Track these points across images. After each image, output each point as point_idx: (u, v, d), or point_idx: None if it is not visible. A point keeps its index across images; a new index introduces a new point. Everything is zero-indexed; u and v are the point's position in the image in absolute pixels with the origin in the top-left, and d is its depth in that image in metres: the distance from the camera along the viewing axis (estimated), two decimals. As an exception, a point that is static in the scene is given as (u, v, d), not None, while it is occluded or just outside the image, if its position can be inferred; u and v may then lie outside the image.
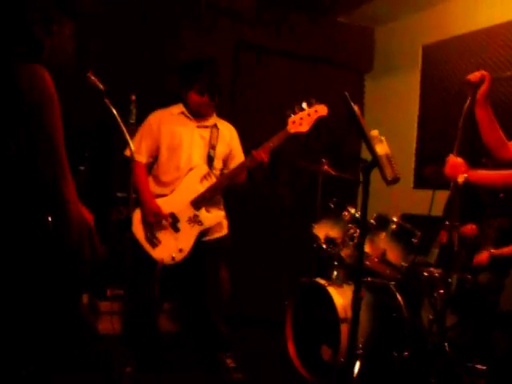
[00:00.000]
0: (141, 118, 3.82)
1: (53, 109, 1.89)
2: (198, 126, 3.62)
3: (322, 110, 3.51)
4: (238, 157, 3.71)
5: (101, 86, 2.88)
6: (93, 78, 2.89)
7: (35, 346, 2.08)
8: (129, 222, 3.35)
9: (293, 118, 3.47)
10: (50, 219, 1.94)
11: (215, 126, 3.67)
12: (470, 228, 3.84)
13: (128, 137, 2.93)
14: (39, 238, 1.94)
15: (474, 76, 2.91)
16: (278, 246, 5.20)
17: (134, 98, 4.49)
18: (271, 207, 5.38)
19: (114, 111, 2.86)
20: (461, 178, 2.69)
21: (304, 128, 3.47)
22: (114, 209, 4.39)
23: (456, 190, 2.93)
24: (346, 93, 2.37)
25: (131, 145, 2.94)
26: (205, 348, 3.77)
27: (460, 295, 3.51)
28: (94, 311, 4.33)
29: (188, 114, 3.63)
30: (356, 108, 2.42)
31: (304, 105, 3.49)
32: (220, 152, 3.65)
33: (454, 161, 2.79)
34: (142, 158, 3.59)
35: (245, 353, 3.85)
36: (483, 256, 3.77)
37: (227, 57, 5.15)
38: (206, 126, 3.64)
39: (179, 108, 3.66)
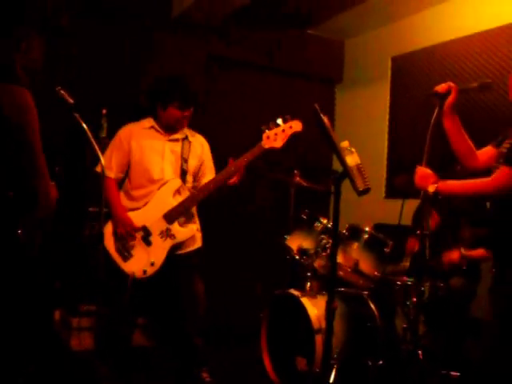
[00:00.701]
0: (112, 132, 3.80)
1: (33, 125, 1.92)
2: (168, 140, 3.62)
3: (296, 126, 3.53)
4: (210, 171, 3.72)
5: (70, 100, 2.85)
6: (62, 92, 2.86)
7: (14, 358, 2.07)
8: (101, 236, 3.33)
9: (267, 133, 3.49)
10: (19, 232, 1.95)
11: (186, 138, 3.67)
12: (455, 254, 3.88)
13: (99, 152, 2.90)
14: (10, 251, 1.94)
15: (441, 87, 2.95)
16: (251, 258, 5.20)
17: (104, 111, 4.48)
18: (244, 219, 5.39)
19: (84, 126, 2.83)
20: (431, 188, 2.73)
21: (278, 144, 3.49)
22: (86, 224, 4.35)
23: (426, 199, 2.98)
24: (316, 105, 2.39)
25: (102, 160, 2.92)
26: (180, 362, 3.74)
27: (433, 303, 3.55)
28: (67, 327, 4.28)
29: (158, 128, 3.62)
30: (326, 120, 2.44)
31: (279, 121, 3.52)
32: (192, 165, 3.65)
33: (423, 172, 2.82)
34: (112, 173, 3.57)
35: (220, 366, 3.84)
36: (454, 254, 3.83)
37: (199, 70, 5.17)
38: (177, 140, 3.64)
39: (149, 122, 3.65)
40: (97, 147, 2.88)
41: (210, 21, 5.09)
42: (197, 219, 3.72)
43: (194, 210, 3.68)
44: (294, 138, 3.58)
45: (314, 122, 2.44)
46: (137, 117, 3.75)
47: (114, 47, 4.76)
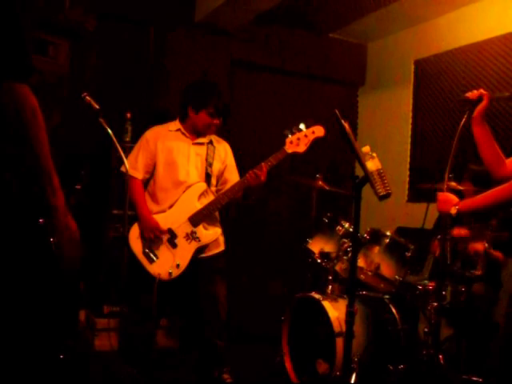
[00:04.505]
0: (136, 136, 3.85)
1: (35, 123, 1.90)
2: (193, 143, 3.66)
3: (319, 131, 3.55)
4: (234, 175, 3.75)
5: (96, 106, 2.91)
6: (88, 98, 2.92)
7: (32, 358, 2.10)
8: (125, 238, 3.37)
9: (290, 138, 3.51)
10: (51, 240, 1.96)
11: (210, 142, 3.70)
12: (480, 245, 3.86)
13: (123, 155, 2.96)
14: (41, 257, 1.96)
15: (473, 94, 2.91)
16: (273, 261, 5.22)
17: (129, 115, 4.55)
18: (266, 223, 5.41)
19: (109, 131, 2.89)
20: (453, 211, 2.72)
21: (301, 148, 3.52)
22: (110, 226, 4.42)
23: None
24: (337, 110, 2.41)
25: (126, 163, 2.97)
26: (202, 363, 3.78)
27: (455, 307, 3.54)
28: (91, 328, 4.34)
29: (184, 131, 3.66)
30: (347, 125, 2.46)
31: (302, 125, 3.54)
32: (216, 169, 3.68)
33: (445, 196, 2.80)
34: (139, 174, 3.61)
35: (242, 368, 3.86)
36: (480, 245, 3.80)
37: (222, 75, 5.21)
38: (202, 143, 3.68)
39: (176, 125, 3.69)
40: (121, 151, 2.94)
41: (233, 25, 5.13)
42: (219, 223, 3.75)
43: (217, 213, 3.71)
44: (317, 141, 3.60)
45: (336, 127, 2.46)
46: (160, 121, 3.80)
47: (136, 52, 4.82)
